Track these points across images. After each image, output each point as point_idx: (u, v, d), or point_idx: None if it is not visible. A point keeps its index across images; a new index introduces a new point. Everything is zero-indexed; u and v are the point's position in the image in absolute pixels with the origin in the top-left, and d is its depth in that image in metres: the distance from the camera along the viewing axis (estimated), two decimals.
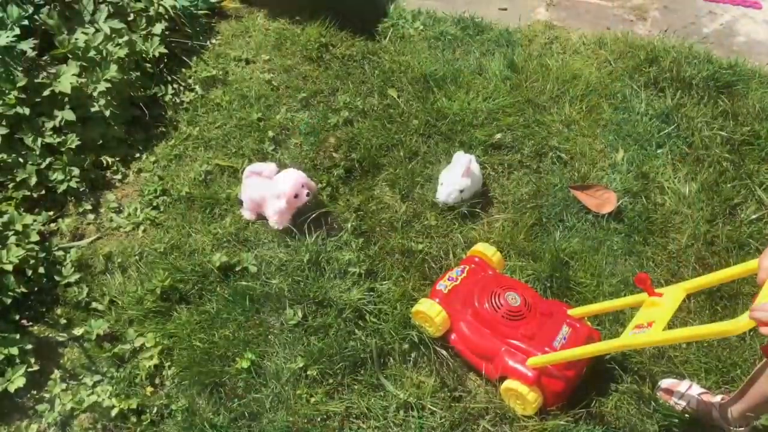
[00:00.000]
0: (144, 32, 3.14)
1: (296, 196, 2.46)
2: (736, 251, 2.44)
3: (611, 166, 2.78)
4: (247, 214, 2.60)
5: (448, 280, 2.22)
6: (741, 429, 1.88)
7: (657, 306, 1.77)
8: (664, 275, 2.39)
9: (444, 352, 2.20)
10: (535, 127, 2.92)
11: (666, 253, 2.46)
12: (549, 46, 3.39)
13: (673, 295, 1.77)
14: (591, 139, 2.89)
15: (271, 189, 2.46)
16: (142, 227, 2.66)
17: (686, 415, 2.01)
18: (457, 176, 2.52)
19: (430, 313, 2.12)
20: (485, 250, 2.30)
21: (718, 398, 1.96)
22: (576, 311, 2.12)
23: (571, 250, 2.46)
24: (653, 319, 1.72)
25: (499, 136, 2.88)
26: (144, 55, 3.10)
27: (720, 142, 2.81)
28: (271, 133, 2.93)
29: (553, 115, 2.98)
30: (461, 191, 2.54)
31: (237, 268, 2.43)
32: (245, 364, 2.17)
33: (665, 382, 2.08)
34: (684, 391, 2.03)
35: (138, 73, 3.07)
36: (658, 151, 2.83)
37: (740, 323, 1.45)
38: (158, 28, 3.17)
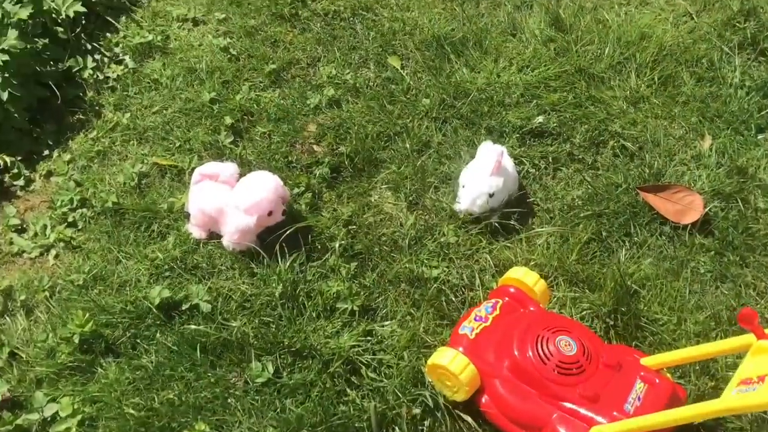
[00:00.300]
0: None
1: (270, 214, 2.47)
2: None
3: (695, 159, 2.79)
4: (195, 231, 2.61)
5: (475, 320, 2.21)
6: None
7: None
8: None
9: (470, 420, 2.19)
10: (590, 107, 2.93)
11: None
12: None
13: None
14: (666, 121, 2.89)
15: (233, 199, 2.46)
16: (53, 251, 2.67)
17: None
18: (484, 175, 2.52)
19: (452, 368, 2.08)
20: (524, 277, 2.29)
21: None
22: (653, 360, 2.11)
23: (641, 275, 2.46)
24: (766, 371, 1.69)
25: (540, 119, 2.89)
26: (54, 16, 3.11)
27: None
28: (228, 120, 2.94)
29: (615, 89, 2.99)
30: (490, 195, 2.54)
31: (184, 307, 2.43)
32: None
33: None
34: None
35: (46, 41, 3.08)
36: (759, 136, 2.84)
37: None
38: None
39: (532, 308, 2.25)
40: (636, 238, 2.58)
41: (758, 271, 2.48)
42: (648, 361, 2.11)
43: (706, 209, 2.61)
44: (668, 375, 2.16)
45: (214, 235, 2.60)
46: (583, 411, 1.99)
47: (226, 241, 2.53)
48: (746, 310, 1.76)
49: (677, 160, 2.79)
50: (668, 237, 2.58)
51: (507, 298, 2.27)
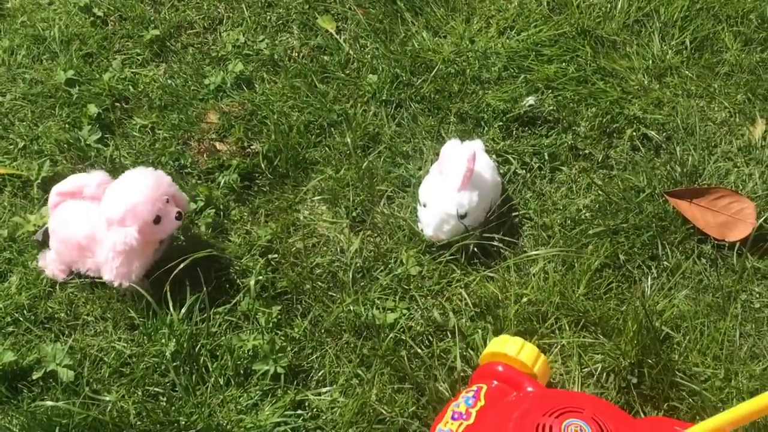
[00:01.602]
0: None
1: (158, 221, 2.46)
2: None
3: (743, 151, 2.86)
4: (53, 268, 2.60)
5: (453, 419, 2.18)
6: None
7: None
8: None
9: None
10: (599, 83, 2.99)
11: None
12: None
13: None
14: (704, 101, 2.97)
15: (104, 212, 2.46)
16: None
17: None
18: (451, 191, 2.55)
19: None
20: (512, 349, 2.30)
21: None
22: (699, 429, 2.14)
23: (674, 314, 2.51)
24: None
25: (531, 100, 2.94)
26: None
27: None
28: (93, 109, 2.95)
29: (631, 57, 3.06)
30: (462, 217, 2.57)
31: (35, 375, 2.42)
32: None
33: None
34: None
35: None
36: None
37: None
38: None
39: (529, 389, 2.26)
40: (666, 263, 2.63)
41: None
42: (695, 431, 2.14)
43: (761, 220, 2.67)
44: None
45: (76, 274, 2.60)
46: None
47: (110, 275, 2.50)
48: None
49: (719, 153, 2.85)
50: (710, 259, 2.64)
51: (495, 382, 2.27)
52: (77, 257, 2.55)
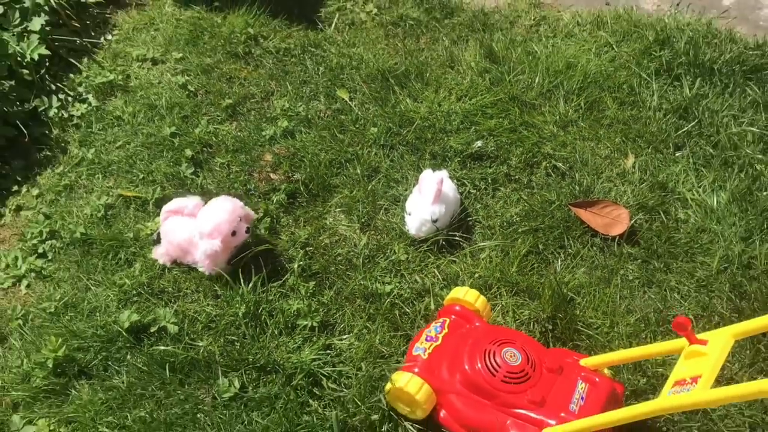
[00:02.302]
0: (18, 29, 3.14)
1: (234, 234, 2.48)
2: None
3: (620, 176, 2.87)
4: (162, 257, 2.61)
5: (426, 340, 2.22)
6: None
7: (701, 356, 1.79)
8: (693, 309, 2.46)
9: (420, 424, 2.22)
10: (524, 131, 2.99)
11: (694, 281, 2.54)
12: (536, 29, 3.50)
13: (720, 341, 1.79)
14: (593, 143, 2.98)
15: (196, 228, 2.48)
16: (25, 282, 2.64)
17: None
18: (426, 204, 2.57)
19: (410, 389, 2.09)
20: (466, 295, 2.32)
21: None
22: (591, 361, 2.15)
23: (576, 284, 2.53)
24: (698, 372, 1.73)
25: (479, 144, 2.95)
26: (19, 59, 3.10)
27: (751, 140, 2.93)
28: (189, 152, 2.95)
29: (545, 114, 3.07)
30: (434, 221, 2.59)
31: (152, 329, 2.43)
32: None
33: None
34: None
35: (12, 83, 3.07)
36: (677, 154, 2.93)
37: None
38: (36, 23, 3.18)
39: (477, 323, 2.28)
40: (570, 250, 2.65)
41: (681, 276, 2.55)
42: (587, 362, 2.15)
43: (632, 221, 2.68)
44: (608, 373, 2.22)
45: (179, 263, 2.61)
46: (533, 415, 2.02)
47: (203, 269, 2.54)
48: (680, 318, 1.80)
49: (604, 177, 2.86)
50: (599, 248, 2.65)
51: (453, 317, 2.29)
52: (180, 255, 2.57)
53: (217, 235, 2.45)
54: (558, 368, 2.11)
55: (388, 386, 2.16)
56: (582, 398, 2.04)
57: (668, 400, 1.75)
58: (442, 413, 2.15)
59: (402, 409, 2.19)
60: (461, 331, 2.24)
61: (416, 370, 2.13)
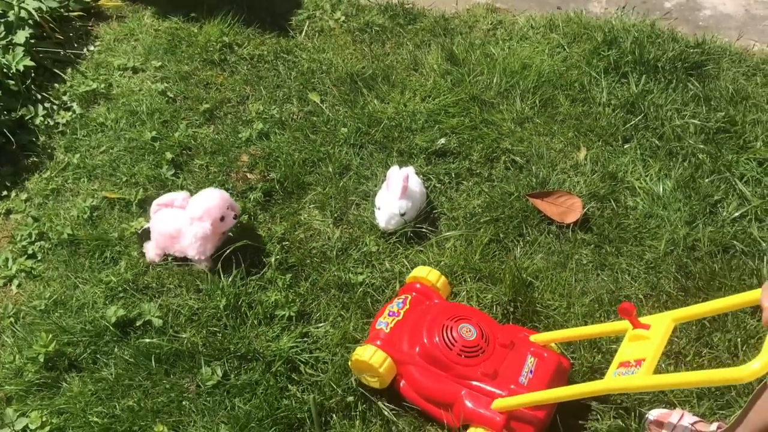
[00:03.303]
0: (3, 42, 3.09)
1: (222, 219, 2.48)
2: (720, 255, 2.55)
3: (573, 168, 2.88)
4: (150, 253, 2.58)
5: (389, 315, 2.24)
6: None
7: (644, 339, 1.82)
8: (642, 289, 2.48)
9: (393, 404, 2.22)
10: (484, 128, 2.99)
11: (643, 263, 2.56)
12: (493, 32, 3.50)
13: (662, 326, 1.82)
14: (548, 137, 2.99)
15: (188, 214, 2.48)
16: (15, 281, 2.60)
17: None
18: (394, 199, 2.56)
19: (373, 362, 2.11)
20: (427, 274, 2.34)
21: (713, 427, 2.04)
22: (540, 337, 2.19)
23: (534, 269, 2.53)
24: (642, 355, 1.76)
25: (442, 141, 2.94)
26: (5, 70, 3.05)
27: (693, 131, 2.95)
28: (169, 155, 2.92)
29: (503, 112, 3.07)
30: (402, 215, 2.58)
31: (138, 323, 2.40)
32: None
33: (654, 414, 2.15)
34: (676, 422, 2.10)
35: None
36: (625, 146, 2.95)
37: (747, 371, 1.48)
38: (21, 36, 3.13)
39: (436, 300, 2.30)
40: (528, 238, 2.65)
41: (631, 259, 2.57)
42: (536, 338, 2.19)
43: (585, 210, 2.69)
44: (555, 348, 2.24)
45: (166, 259, 2.58)
46: (485, 386, 2.06)
47: (192, 254, 2.51)
48: (625, 304, 1.83)
49: (559, 169, 2.87)
50: (555, 235, 2.66)
51: (414, 294, 2.31)
52: (169, 243, 2.54)
53: (207, 218, 2.45)
54: (510, 343, 2.14)
55: (353, 357, 2.16)
56: (531, 371, 2.08)
57: (613, 381, 1.78)
58: (402, 383, 2.17)
59: (365, 379, 2.19)
60: (422, 308, 2.26)
61: (378, 343, 2.15)
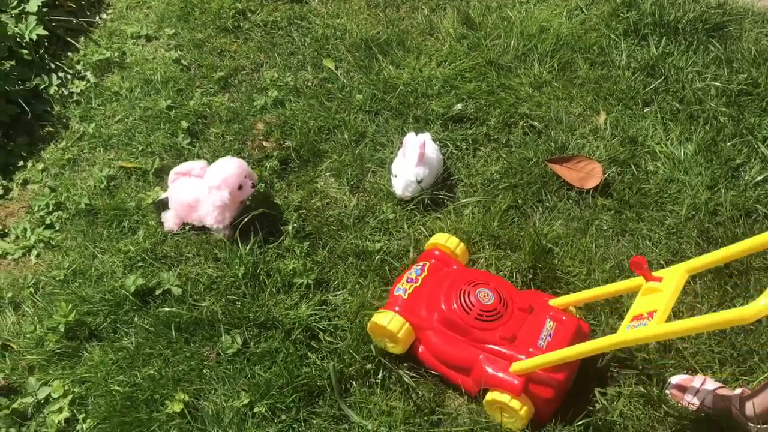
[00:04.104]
0: (16, 11, 3.06)
1: (240, 188, 2.46)
2: (743, 220, 2.51)
3: (593, 132, 2.83)
4: (169, 222, 2.57)
5: (407, 281, 2.23)
6: (765, 426, 1.94)
7: (656, 292, 1.81)
8: (664, 255, 2.44)
9: (413, 371, 2.21)
10: (501, 93, 2.94)
11: (664, 228, 2.52)
12: None
13: (674, 277, 1.81)
14: (567, 102, 2.93)
15: (205, 183, 2.46)
16: (34, 252, 2.60)
17: (702, 415, 2.07)
18: (411, 166, 2.53)
19: (391, 327, 2.11)
20: (446, 241, 2.32)
21: (737, 392, 2.01)
22: (559, 301, 2.17)
23: (554, 235, 2.50)
24: (654, 307, 1.75)
25: (459, 106, 2.90)
26: (19, 40, 3.02)
27: (715, 94, 2.89)
28: (184, 124, 2.89)
29: (521, 77, 3.01)
30: (419, 182, 2.55)
31: (157, 292, 2.40)
32: (177, 408, 2.13)
33: (676, 379, 2.13)
34: (698, 387, 2.08)
35: (13, 62, 3.00)
36: (646, 110, 2.89)
37: (753, 309, 1.48)
38: (33, 4, 3.10)
39: (455, 267, 2.28)
40: (547, 204, 2.62)
41: (652, 225, 2.53)
42: (555, 302, 2.17)
43: (605, 175, 2.65)
44: (574, 312, 2.22)
45: (184, 228, 2.57)
46: (504, 350, 2.05)
47: (210, 222, 2.50)
48: (636, 258, 1.82)
49: (578, 134, 2.82)
50: (574, 201, 2.62)
51: (433, 260, 2.30)
52: (187, 213, 2.53)
53: (225, 187, 2.43)
54: (528, 308, 2.13)
55: (371, 322, 2.16)
56: (550, 335, 2.07)
57: (625, 333, 1.77)
58: (421, 348, 2.17)
59: (383, 343, 2.19)
60: (440, 274, 2.25)
61: (397, 308, 2.15)
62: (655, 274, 1.86)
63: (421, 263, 2.29)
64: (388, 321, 2.11)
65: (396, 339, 2.12)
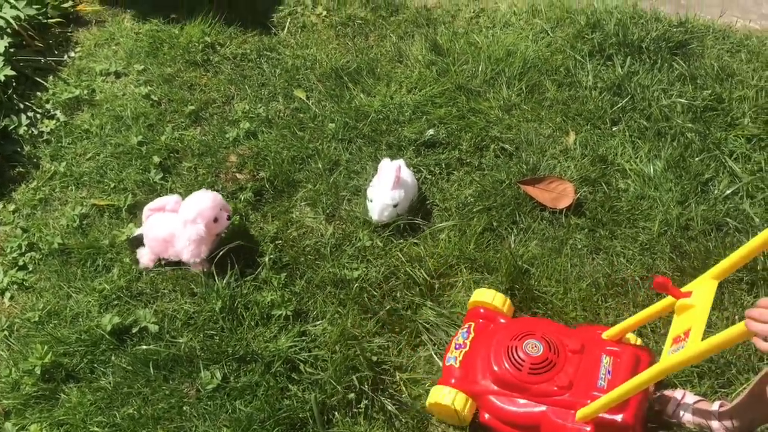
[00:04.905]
0: None
1: (216, 221, 2.45)
2: (714, 233, 2.54)
3: (563, 153, 2.86)
4: (145, 259, 2.55)
5: (456, 348, 2.17)
6: None
7: (689, 308, 1.76)
8: (638, 271, 2.46)
9: (395, 399, 2.20)
10: (472, 117, 2.97)
11: (637, 245, 2.54)
12: (476, 20, 3.47)
13: (703, 288, 1.76)
14: (536, 123, 2.96)
15: (179, 217, 2.45)
16: (8, 294, 2.57)
17: (682, 430, 2.08)
18: (386, 190, 2.54)
19: (446, 402, 2.04)
20: (486, 297, 2.26)
21: (715, 406, 2.03)
22: (611, 332, 2.08)
23: (529, 256, 2.52)
24: (689, 325, 1.70)
25: (431, 132, 2.92)
26: None
27: (681, 110, 2.94)
28: (156, 159, 2.88)
29: (490, 100, 3.04)
30: (394, 206, 2.56)
31: (134, 330, 2.37)
32: None
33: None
34: (680, 398, 2.10)
35: None
36: (614, 128, 2.93)
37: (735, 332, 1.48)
38: (0, 45, 3.08)
39: (501, 320, 2.22)
40: (522, 225, 2.64)
41: (625, 242, 2.56)
42: (608, 334, 2.08)
43: (577, 194, 2.67)
44: (631, 339, 2.16)
45: (159, 264, 2.56)
46: (565, 398, 1.98)
47: (187, 257, 2.48)
48: (658, 279, 1.76)
49: (548, 155, 2.85)
50: (548, 221, 2.64)
51: (480, 321, 2.24)
52: (164, 248, 2.51)
53: (201, 221, 2.42)
54: (580, 348, 2.05)
55: (430, 400, 2.10)
56: (609, 372, 1.99)
57: (668, 360, 1.72)
58: (486, 416, 2.09)
59: (444, 418, 2.14)
60: (486, 332, 2.18)
61: (453, 381, 2.08)
62: (683, 289, 1.81)
63: (467, 325, 2.23)
64: (451, 399, 2.05)
65: (458, 415, 2.06)
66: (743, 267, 2.08)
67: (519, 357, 2.03)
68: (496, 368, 2.05)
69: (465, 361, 2.13)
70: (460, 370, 2.11)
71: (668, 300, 1.88)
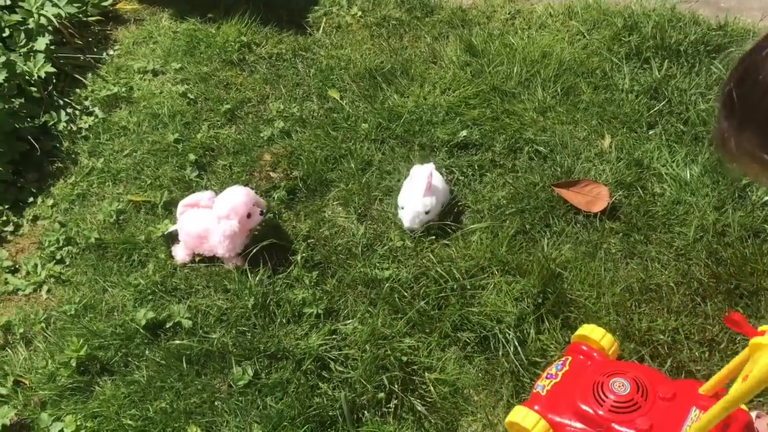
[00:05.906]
0: (24, 50, 3.10)
1: (249, 216, 2.48)
2: (751, 240, 2.51)
3: (598, 156, 2.84)
4: (180, 255, 2.59)
5: (547, 378, 2.14)
6: None
7: (764, 348, 1.62)
8: (673, 277, 2.44)
9: (426, 399, 2.20)
10: (506, 119, 2.96)
11: (672, 250, 2.52)
12: (511, 22, 3.46)
13: None
14: (571, 126, 2.95)
15: (213, 213, 2.49)
16: (45, 287, 2.62)
17: None
18: (418, 197, 2.53)
19: (525, 424, 2.02)
20: (595, 335, 2.20)
21: (753, 415, 2.00)
22: (707, 387, 2.00)
23: (562, 259, 2.50)
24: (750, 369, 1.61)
25: (464, 133, 2.92)
26: (27, 77, 3.06)
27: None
28: (192, 157, 2.92)
29: (525, 102, 3.03)
30: (426, 213, 2.56)
31: (167, 325, 2.40)
32: None
33: None
34: None
35: (22, 100, 3.04)
36: (650, 132, 2.90)
37: None
38: (41, 42, 3.14)
39: (596, 356, 2.18)
40: (555, 228, 2.62)
41: (660, 247, 2.54)
42: (704, 389, 2.00)
43: (612, 198, 2.66)
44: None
45: (193, 260, 2.59)
46: None
47: (221, 252, 2.52)
48: (733, 315, 1.69)
49: (583, 158, 2.83)
50: (582, 225, 2.63)
51: (581, 356, 2.19)
52: (198, 244, 2.54)
53: (234, 216, 2.45)
54: (671, 396, 1.99)
55: (509, 419, 2.09)
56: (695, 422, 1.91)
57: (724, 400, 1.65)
58: None
59: None
60: (580, 368, 2.15)
61: (536, 407, 2.06)
62: (760, 328, 1.69)
63: (564, 358, 2.20)
64: (523, 417, 2.03)
65: None
66: None
67: (603, 393, 1.99)
68: (579, 401, 2.02)
69: (552, 391, 2.09)
70: (546, 399, 2.08)
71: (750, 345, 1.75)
